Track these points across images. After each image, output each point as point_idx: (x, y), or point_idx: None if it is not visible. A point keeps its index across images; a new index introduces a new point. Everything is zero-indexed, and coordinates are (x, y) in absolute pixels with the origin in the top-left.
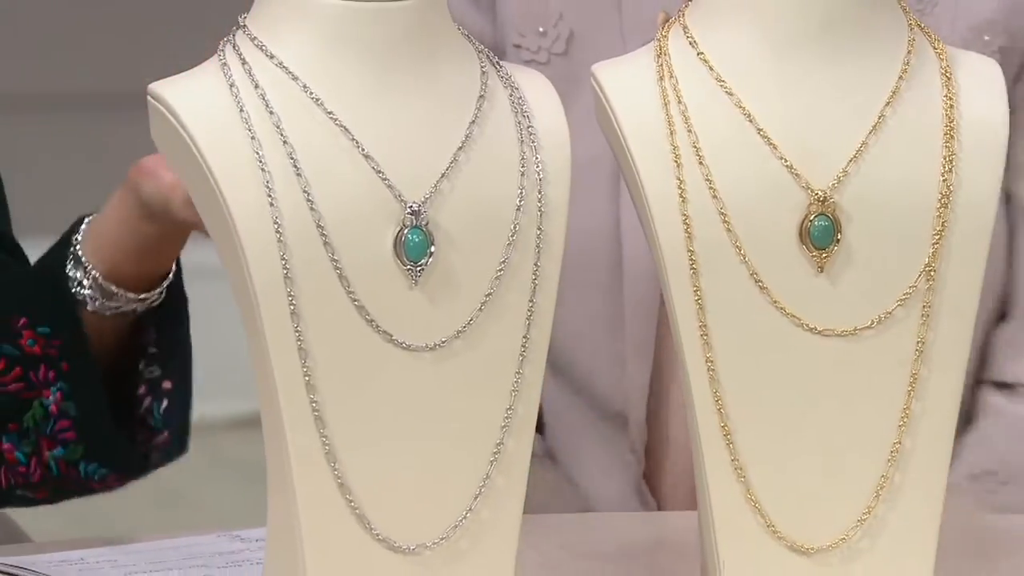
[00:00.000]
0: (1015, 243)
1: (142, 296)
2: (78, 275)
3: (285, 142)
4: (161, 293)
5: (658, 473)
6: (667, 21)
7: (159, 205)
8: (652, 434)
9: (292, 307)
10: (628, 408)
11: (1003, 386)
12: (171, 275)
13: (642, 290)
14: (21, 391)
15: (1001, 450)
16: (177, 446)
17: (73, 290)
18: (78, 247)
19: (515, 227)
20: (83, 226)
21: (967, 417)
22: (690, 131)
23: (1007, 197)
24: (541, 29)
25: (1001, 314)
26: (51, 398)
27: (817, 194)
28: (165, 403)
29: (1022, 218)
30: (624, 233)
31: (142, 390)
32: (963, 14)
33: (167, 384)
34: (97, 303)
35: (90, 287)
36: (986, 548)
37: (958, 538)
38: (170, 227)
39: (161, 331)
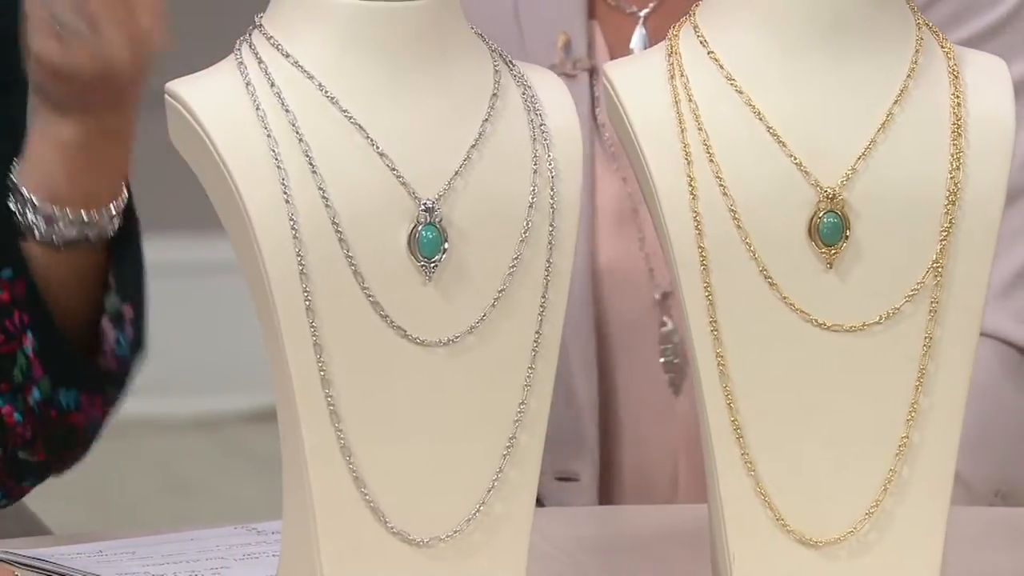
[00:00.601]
0: None
1: (86, 218)
2: (18, 206)
3: (301, 140)
4: (112, 220)
5: (614, 492)
6: (568, 43)
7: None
8: (604, 455)
9: (307, 303)
10: (580, 429)
11: None
12: (122, 200)
13: (575, 313)
14: (2, 344)
15: None
16: (140, 352)
17: (18, 220)
18: (13, 176)
19: (528, 224)
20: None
21: None
22: (700, 129)
23: None
24: None
25: None
26: (28, 345)
27: (826, 191)
28: (129, 331)
29: None
30: None
31: (105, 323)
32: None
33: (128, 310)
34: (43, 230)
35: (32, 212)
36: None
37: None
38: (89, 123)
39: (116, 258)
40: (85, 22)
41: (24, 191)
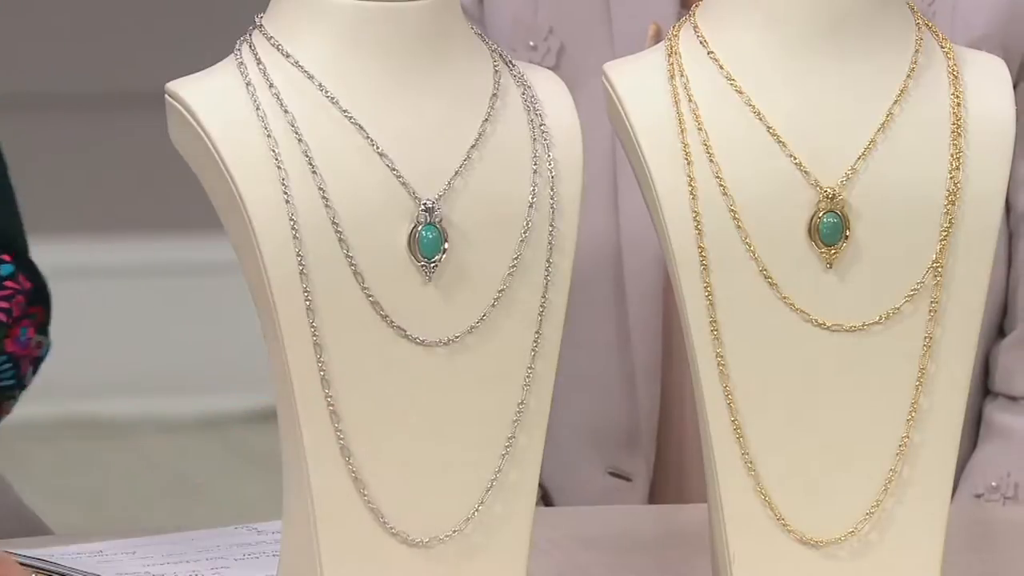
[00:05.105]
0: (1016, 255)
1: None
2: None
3: (300, 140)
4: None
5: (665, 499)
6: (658, 33)
7: None
8: (660, 459)
9: (308, 303)
10: (638, 432)
11: (1012, 400)
12: None
13: (646, 310)
14: None
15: (1008, 465)
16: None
17: None
18: None
19: (528, 224)
20: None
21: (973, 436)
22: (700, 129)
23: (1006, 208)
24: (532, 43)
25: (1000, 327)
26: None
27: (826, 191)
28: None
29: (1023, 229)
30: (624, 247)
31: None
32: (960, 29)
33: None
34: None
35: None
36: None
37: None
38: None
39: None
40: None
41: None
